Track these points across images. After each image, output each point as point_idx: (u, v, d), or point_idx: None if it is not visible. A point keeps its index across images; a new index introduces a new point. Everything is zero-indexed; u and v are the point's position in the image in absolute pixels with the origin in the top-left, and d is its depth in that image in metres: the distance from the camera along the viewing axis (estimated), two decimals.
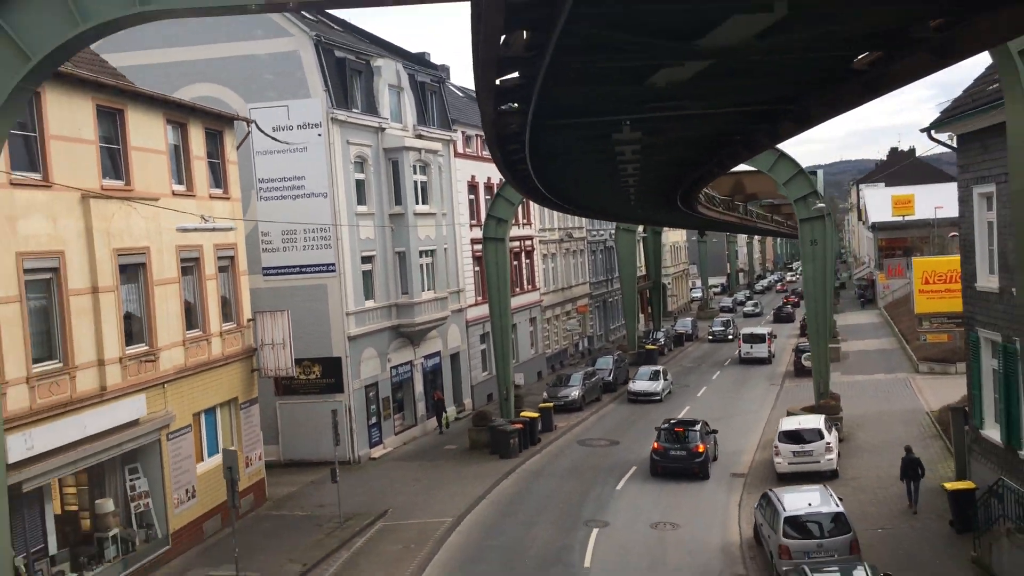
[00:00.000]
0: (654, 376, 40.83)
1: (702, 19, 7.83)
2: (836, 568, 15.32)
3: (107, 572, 18.75)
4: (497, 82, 9.28)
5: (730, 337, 60.26)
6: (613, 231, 58.20)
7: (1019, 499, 17.05)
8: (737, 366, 49.80)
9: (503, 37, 7.81)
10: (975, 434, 21.36)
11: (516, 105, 10.87)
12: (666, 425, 27.58)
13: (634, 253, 57.47)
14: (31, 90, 9.79)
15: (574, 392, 38.49)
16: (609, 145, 13.58)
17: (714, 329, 63.12)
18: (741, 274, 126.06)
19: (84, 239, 18.28)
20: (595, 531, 21.85)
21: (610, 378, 42.81)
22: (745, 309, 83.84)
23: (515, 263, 44.99)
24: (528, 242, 47.59)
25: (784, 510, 17.80)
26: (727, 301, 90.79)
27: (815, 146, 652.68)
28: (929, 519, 20.87)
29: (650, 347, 52.34)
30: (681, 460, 26.30)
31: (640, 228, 59.46)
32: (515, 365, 42.05)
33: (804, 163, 33.76)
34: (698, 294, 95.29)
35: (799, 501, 18.25)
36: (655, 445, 26.82)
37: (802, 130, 13.40)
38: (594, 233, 59.74)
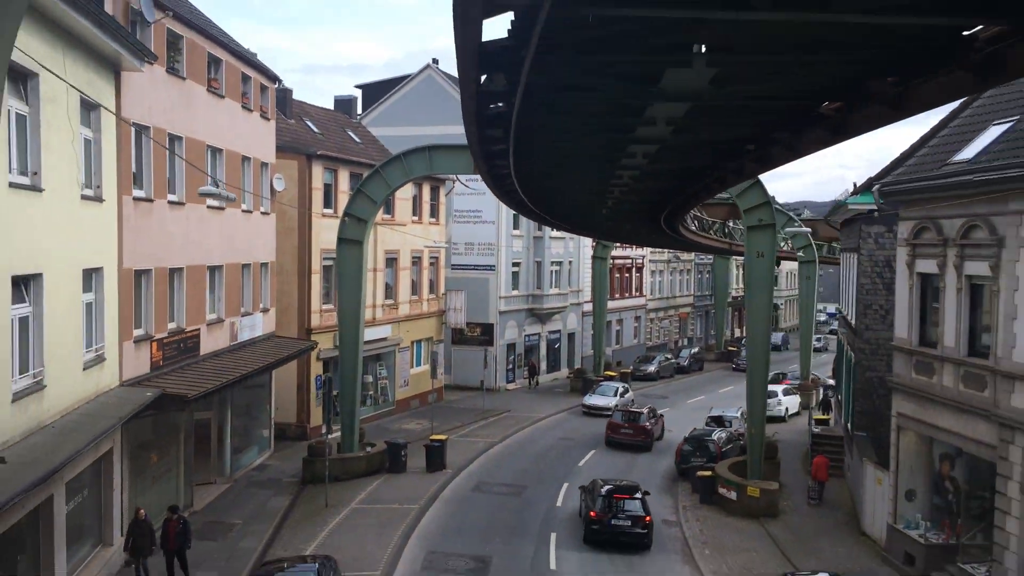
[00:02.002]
0: (613, 393, 43.13)
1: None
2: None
3: (366, 410, 37.45)
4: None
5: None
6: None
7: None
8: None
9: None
10: None
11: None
12: (604, 491, 23.39)
13: (726, 275, 73.01)
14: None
15: (651, 368, 55.22)
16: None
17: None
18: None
19: (372, 245, 36.96)
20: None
21: (685, 364, 59.14)
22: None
23: (626, 275, 62.03)
24: (639, 260, 64.36)
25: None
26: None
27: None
28: None
29: (731, 348, 67.94)
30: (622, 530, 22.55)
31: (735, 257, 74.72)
32: (618, 349, 59.45)
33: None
34: (823, 317, 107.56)
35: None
36: (591, 513, 22.88)
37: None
38: (700, 257, 75.52)
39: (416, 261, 41.56)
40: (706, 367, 63.31)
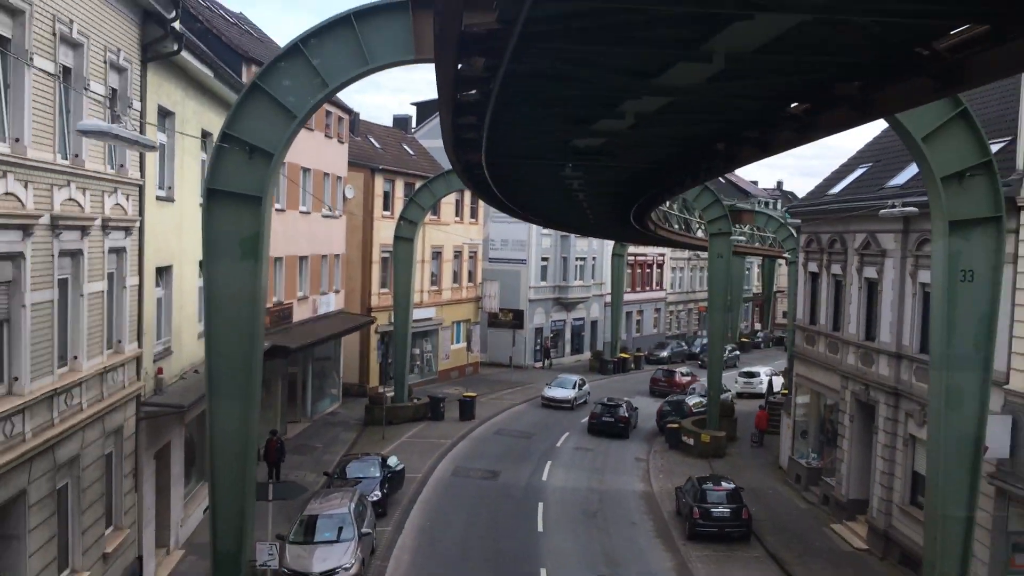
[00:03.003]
0: (571, 385, 44.04)
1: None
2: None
3: (413, 378, 45.81)
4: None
5: None
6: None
7: None
8: None
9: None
10: None
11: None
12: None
13: (742, 273, 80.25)
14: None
15: (664, 353, 62.92)
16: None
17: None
18: None
19: (420, 241, 45.27)
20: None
21: (697, 351, 66.74)
22: None
23: (647, 270, 69.74)
24: (659, 257, 71.96)
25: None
26: None
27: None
28: None
29: (744, 339, 75.23)
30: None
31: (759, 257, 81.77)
32: (638, 336, 67.32)
33: None
34: None
35: None
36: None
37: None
38: None
39: (457, 255, 49.91)
40: None
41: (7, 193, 12.06)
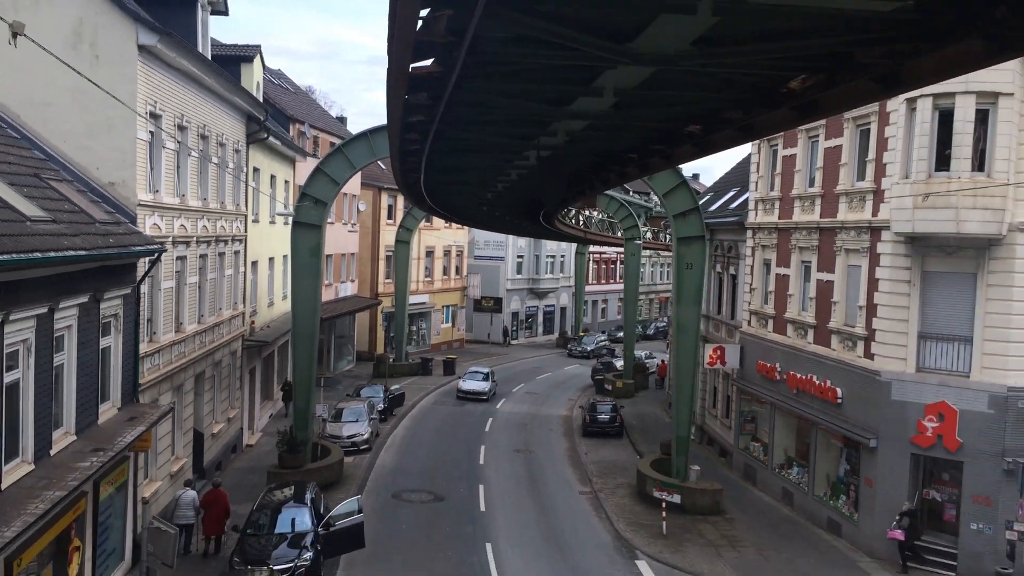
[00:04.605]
0: (483, 378, 45.78)
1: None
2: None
3: (412, 348, 58.87)
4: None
5: None
6: None
7: None
8: None
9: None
10: None
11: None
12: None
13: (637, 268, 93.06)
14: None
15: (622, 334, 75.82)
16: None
17: None
18: None
19: (416, 243, 58.32)
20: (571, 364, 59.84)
21: (651, 333, 79.61)
22: None
23: (610, 266, 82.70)
24: (620, 255, 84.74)
25: None
26: None
27: None
28: None
29: None
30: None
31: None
32: (603, 322, 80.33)
33: None
34: None
35: None
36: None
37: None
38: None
39: (447, 253, 62.99)
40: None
41: (181, 225, 25.09)
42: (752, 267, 30.61)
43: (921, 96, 20.11)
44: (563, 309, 77.19)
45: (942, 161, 20.20)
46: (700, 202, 38.43)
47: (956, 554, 21.00)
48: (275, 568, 17.84)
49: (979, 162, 20.01)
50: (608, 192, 43.09)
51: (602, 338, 70.00)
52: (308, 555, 18.69)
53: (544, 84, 10.81)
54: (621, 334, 77.28)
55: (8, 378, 13.01)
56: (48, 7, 18.31)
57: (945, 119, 20.19)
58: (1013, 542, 19.01)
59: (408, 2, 7.06)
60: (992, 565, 20.09)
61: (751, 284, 30.61)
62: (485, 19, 7.34)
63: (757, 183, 30.56)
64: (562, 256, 75.12)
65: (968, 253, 20.62)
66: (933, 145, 20.33)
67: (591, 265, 78.06)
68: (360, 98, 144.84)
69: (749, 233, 30.82)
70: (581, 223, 55.91)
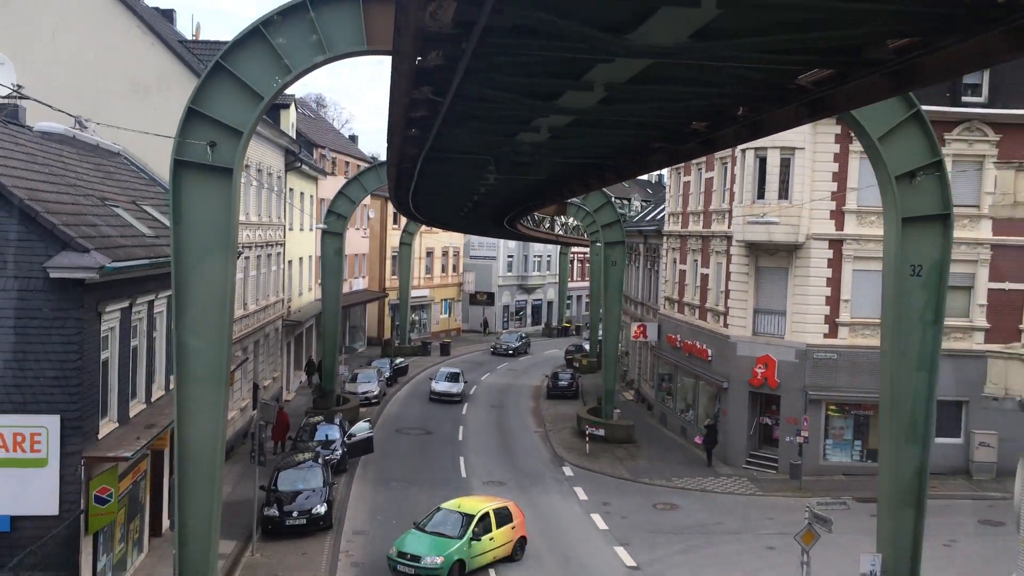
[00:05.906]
0: (453, 379, 46.02)
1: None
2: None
3: (415, 335, 68.77)
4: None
5: None
6: None
7: None
8: None
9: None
10: None
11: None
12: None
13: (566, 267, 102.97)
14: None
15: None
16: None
17: None
18: None
19: (418, 244, 68.17)
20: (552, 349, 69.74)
21: None
22: None
23: (587, 265, 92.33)
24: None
25: None
26: None
27: None
28: None
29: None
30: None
31: None
32: (585, 314, 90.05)
33: None
34: None
35: None
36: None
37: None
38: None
39: (445, 253, 72.93)
40: None
41: (246, 235, 34.91)
42: (666, 264, 40.44)
43: (747, 148, 29.87)
44: (550, 303, 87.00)
45: (760, 192, 30.02)
46: (644, 212, 48.45)
47: (777, 458, 30.84)
48: (318, 451, 27.85)
49: (784, 192, 29.81)
50: (570, 200, 52.81)
51: (523, 335, 72.76)
52: (337, 452, 28.69)
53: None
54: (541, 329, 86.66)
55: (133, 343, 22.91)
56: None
57: (763, 163, 30.01)
58: (800, 444, 28.84)
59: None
60: (794, 462, 29.92)
61: (666, 277, 40.46)
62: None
63: (669, 200, 40.41)
64: (548, 256, 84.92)
65: (782, 254, 30.42)
66: (756, 181, 30.16)
67: (575, 264, 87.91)
68: (365, 99, 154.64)
69: (665, 238, 40.68)
70: (556, 229, 65.71)
